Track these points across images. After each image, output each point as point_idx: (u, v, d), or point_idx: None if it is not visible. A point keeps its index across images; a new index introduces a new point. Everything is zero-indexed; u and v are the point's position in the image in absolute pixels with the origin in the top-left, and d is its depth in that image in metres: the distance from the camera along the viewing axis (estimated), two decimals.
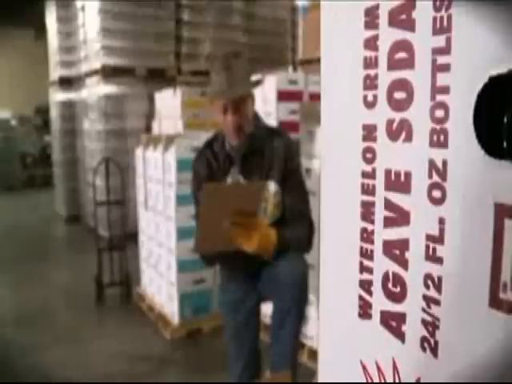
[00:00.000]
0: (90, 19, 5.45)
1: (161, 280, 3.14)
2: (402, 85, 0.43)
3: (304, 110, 2.88)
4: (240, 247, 1.52)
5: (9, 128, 9.66)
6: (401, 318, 0.43)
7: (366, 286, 0.45)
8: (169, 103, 4.28)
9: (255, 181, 1.69)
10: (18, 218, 6.69)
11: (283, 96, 3.38)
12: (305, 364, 2.34)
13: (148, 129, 4.83)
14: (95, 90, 5.42)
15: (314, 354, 2.38)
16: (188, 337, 2.87)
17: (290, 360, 1.71)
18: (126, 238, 3.60)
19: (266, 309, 2.05)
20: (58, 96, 6.58)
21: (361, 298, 0.46)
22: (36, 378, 2.29)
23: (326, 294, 0.50)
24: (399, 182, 0.43)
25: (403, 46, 0.43)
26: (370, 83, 0.46)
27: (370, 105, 0.46)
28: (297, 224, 1.70)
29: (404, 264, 0.42)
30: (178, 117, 4.16)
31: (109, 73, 5.19)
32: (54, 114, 6.85)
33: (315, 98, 3.45)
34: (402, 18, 0.43)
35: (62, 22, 6.28)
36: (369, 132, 0.46)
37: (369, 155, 0.46)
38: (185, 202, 2.81)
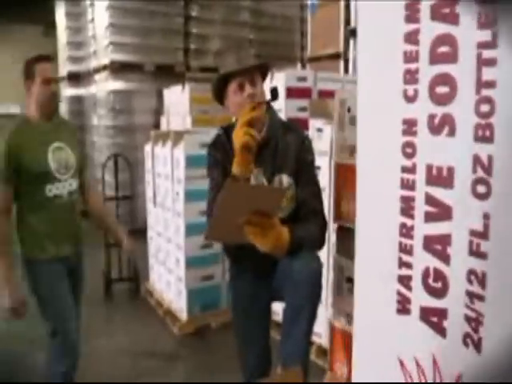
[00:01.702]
0: (98, 15, 5.46)
1: (169, 276, 3.15)
2: (445, 79, 0.43)
3: (313, 106, 2.86)
4: (253, 243, 1.51)
5: None
6: (442, 313, 0.42)
7: (405, 281, 0.45)
8: (177, 99, 4.28)
9: (278, 186, 1.66)
10: None
11: (292, 93, 3.37)
12: (313, 361, 2.33)
13: (156, 125, 4.83)
14: (104, 86, 5.42)
15: (322, 352, 2.38)
16: (196, 333, 2.87)
17: (302, 357, 1.70)
18: (135, 234, 3.60)
19: (276, 306, 2.04)
20: (66, 91, 6.60)
21: (399, 293, 0.46)
22: (40, 374, 2.29)
23: (361, 289, 0.49)
24: (441, 177, 0.43)
25: (446, 40, 0.43)
26: (411, 77, 0.46)
27: (410, 99, 0.46)
28: (310, 221, 1.68)
29: (446, 259, 0.42)
30: (186, 113, 4.15)
31: (117, 68, 5.19)
32: (63, 109, 6.86)
33: (324, 94, 3.44)
34: (445, 11, 0.43)
35: (70, 18, 6.29)
36: (409, 126, 0.46)
37: (409, 150, 0.46)
38: (193, 198, 2.81)
